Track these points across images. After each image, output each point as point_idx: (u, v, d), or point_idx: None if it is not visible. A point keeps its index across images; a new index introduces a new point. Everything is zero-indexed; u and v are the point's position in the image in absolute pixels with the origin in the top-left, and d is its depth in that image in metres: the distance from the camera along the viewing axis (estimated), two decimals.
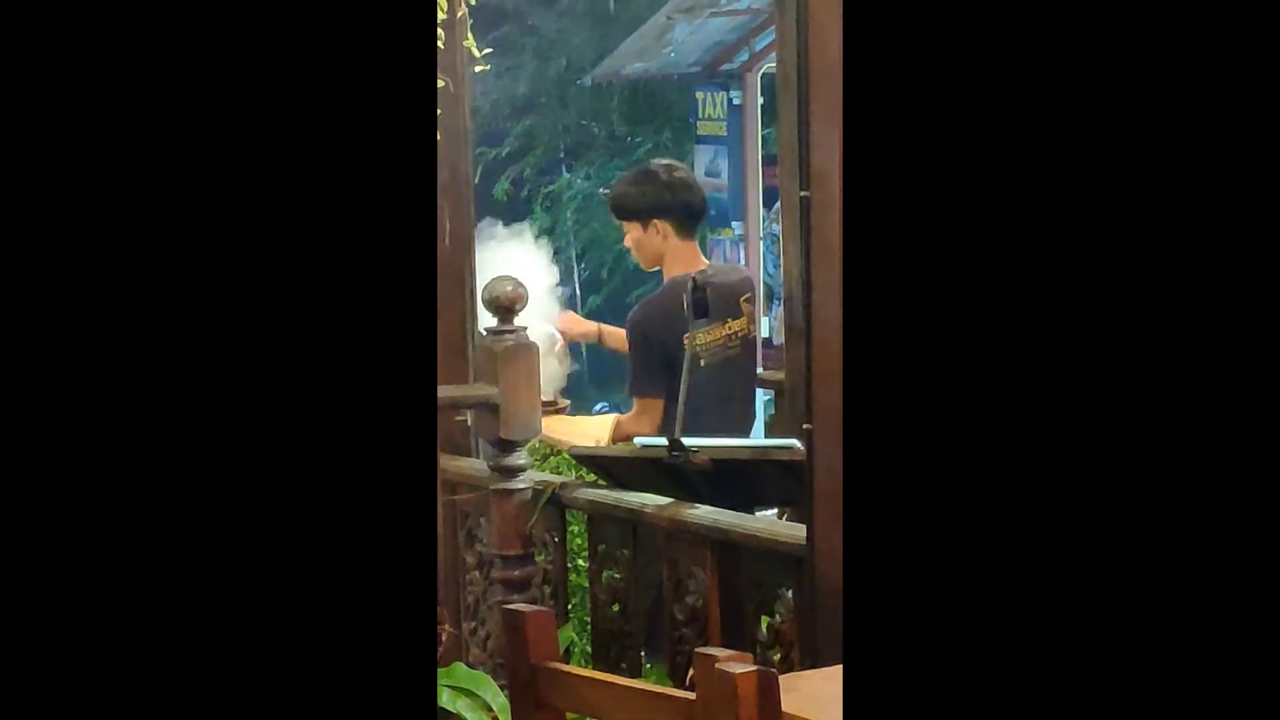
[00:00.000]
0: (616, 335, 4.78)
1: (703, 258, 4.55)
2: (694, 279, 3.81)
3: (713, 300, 3.99)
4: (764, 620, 3.17)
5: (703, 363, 4.32)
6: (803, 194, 3.03)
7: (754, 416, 4.60)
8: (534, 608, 2.18)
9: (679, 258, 4.44)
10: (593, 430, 4.38)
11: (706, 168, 8.20)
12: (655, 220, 4.43)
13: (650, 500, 3.42)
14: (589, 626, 3.59)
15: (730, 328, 4.42)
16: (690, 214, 4.46)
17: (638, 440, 3.75)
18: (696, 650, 1.95)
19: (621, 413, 4.61)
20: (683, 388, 3.60)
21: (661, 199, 4.42)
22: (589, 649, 3.57)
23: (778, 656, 3.13)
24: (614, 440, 4.25)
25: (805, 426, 3.04)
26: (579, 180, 9.19)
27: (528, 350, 3.45)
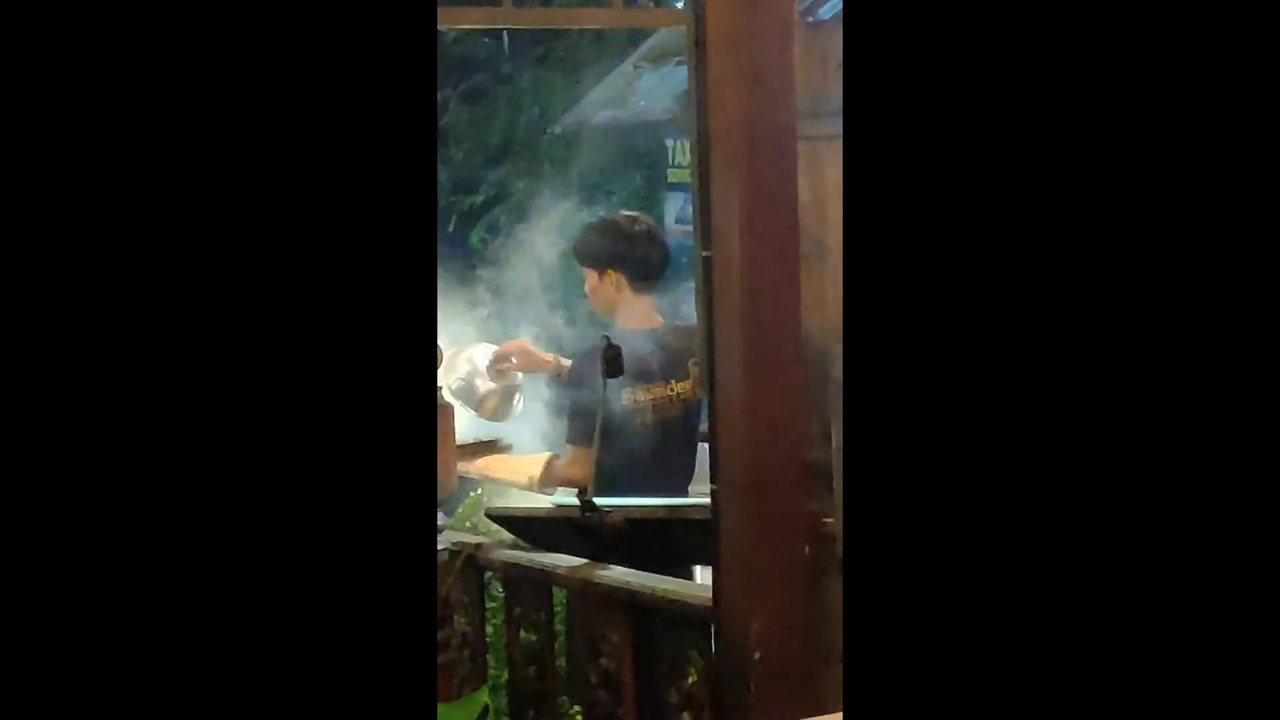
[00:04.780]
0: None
1: (657, 315, 4.49)
2: (607, 338, 3.78)
3: (657, 361, 3.96)
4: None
5: (638, 420, 4.29)
6: (704, 254, 3.01)
7: (692, 472, 4.57)
8: None
9: (632, 311, 4.41)
10: (527, 468, 4.35)
11: (677, 215, 8.20)
12: (610, 270, 4.41)
13: (563, 561, 3.39)
14: (506, 688, 3.56)
15: (673, 389, 4.36)
16: (645, 268, 4.42)
17: (552, 500, 3.73)
18: None
19: None
20: (594, 447, 3.57)
21: (618, 249, 4.40)
22: (506, 711, 3.53)
23: None
24: (544, 481, 4.22)
25: (711, 487, 3.02)
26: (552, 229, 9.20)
27: (442, 412, 3.43)
